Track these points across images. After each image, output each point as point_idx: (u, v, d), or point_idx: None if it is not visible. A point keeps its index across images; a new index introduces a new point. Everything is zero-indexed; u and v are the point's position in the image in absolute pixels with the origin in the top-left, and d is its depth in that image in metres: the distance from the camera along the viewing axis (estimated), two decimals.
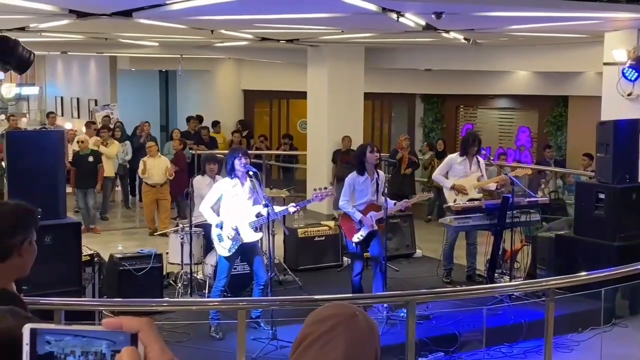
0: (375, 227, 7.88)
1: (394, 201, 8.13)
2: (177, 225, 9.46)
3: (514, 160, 15.60)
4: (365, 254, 8.10)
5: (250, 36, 12.05)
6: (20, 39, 7.80)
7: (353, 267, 8.08)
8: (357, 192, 7.93)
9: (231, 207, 7.23)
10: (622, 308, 8.30)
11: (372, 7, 7.24)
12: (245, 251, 7.37)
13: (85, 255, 7.83)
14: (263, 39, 12.32)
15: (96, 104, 19.32)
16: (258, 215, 7.22)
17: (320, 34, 11.56)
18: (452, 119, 17.72)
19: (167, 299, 8.20)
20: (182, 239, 8.65)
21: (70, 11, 8.10)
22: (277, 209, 7.34)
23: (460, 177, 9.28)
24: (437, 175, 9.66)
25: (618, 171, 8.58)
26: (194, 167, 14.43)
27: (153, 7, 7.55)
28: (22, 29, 10.19)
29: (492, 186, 9.71)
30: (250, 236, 7.28)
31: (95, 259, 8.11)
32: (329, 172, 14.10)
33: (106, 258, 8.35)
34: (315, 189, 7.77)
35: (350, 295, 7.52)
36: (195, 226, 8.75)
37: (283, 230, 8.24)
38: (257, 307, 7.38)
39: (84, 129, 15.74)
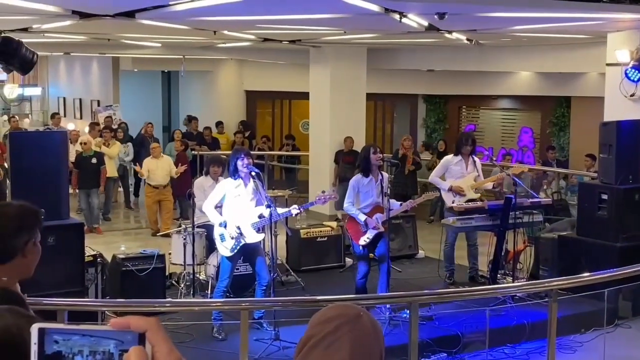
0: (382, 229, 7.87)
1: (399, 202, 8.13)
2: (180, 226, 9.47)
3: (517, 161, 15.58)
4: (370, 254, 8.09)
5: (252, 37, 12.05)
6: (23, 40, 7.83)
7: (358, 269, 8.09)
8: (362, 194, 7.92)
9: (234, 207, 7.22)
10: (625, 309, 8.29)
11: (375, 7, 7.23)
12: (247, 252, 7.36)
13: (88, 256, 7.83)
14: (265, 39, 12.31)
15: (99, 105, 19.33)
16: (260, 216, 7.22)
17: (323, 34, 11.55)
18: (454, 119, 17.71)
19: (169, 299, 8.20)
20: (184, 239, 8.65)
21: (73, 12, 8.09)
22: (280, 210, 7.33)
23: (458, 177, 9.26)
24: (433, 177, 9.51)
25: (621, 172, 8.58)
26: (196, 168, 14.45)
27: (156, 7, 7.55)
28: (25, 29, 10.19)
29: (489, 185, 9.70)
30: (252, 237, 7.27)
31: (98, 259, 8.12)
32: (331, 172, 14.09)
33: (109, 258, 8.35)
34: (318, 193, 7.77)
35: (353, 296, 7.50)
36: (198, 227, 8.75)
37: (285, 231, 8.23)
38: (259, 307, 7.38)
39: (87, 130, 15.75)
